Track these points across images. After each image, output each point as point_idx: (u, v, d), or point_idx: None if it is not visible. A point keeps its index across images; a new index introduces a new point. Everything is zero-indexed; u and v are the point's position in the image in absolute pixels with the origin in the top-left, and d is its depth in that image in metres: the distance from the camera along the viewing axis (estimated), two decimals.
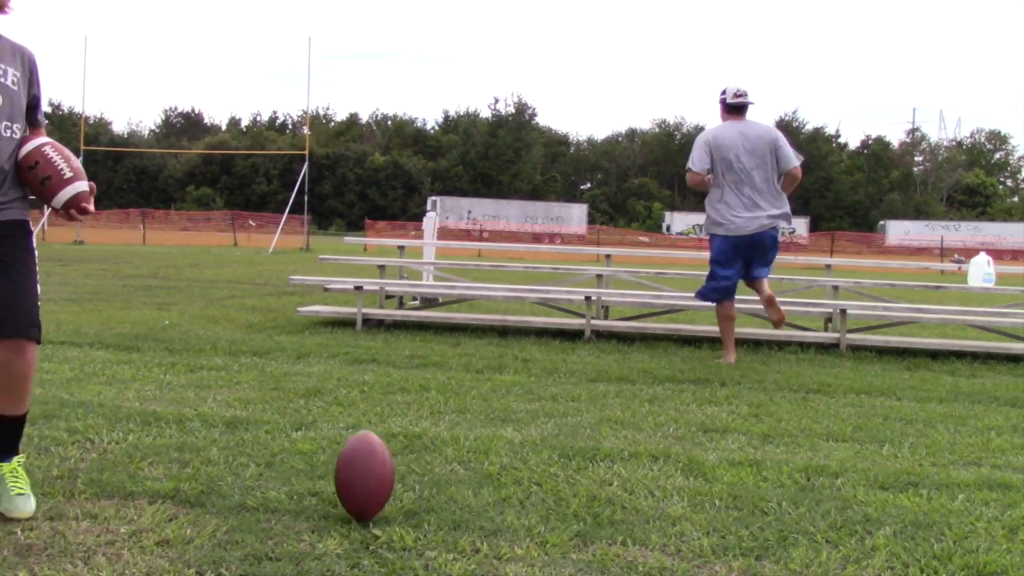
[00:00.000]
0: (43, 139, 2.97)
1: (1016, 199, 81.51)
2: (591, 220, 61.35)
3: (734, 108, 6.66)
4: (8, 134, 2.90)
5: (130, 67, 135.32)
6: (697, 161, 6.62)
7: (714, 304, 6.95)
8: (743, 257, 6.70)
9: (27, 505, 2.91)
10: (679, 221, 59.61)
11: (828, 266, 10.39)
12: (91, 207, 2.99)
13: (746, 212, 6.56)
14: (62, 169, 2.93)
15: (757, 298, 8.33)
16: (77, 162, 3.01)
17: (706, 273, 6.97)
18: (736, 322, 7.10)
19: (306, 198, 31.08)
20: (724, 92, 6.70)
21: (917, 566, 2.74)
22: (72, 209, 2.95)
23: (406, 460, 3.72)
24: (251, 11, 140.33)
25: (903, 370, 6.84)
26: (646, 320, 8.80)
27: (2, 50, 2.93)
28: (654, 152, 78.95)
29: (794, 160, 6.67)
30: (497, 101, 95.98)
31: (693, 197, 75.01)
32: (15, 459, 3.04)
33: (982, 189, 75.24)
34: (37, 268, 3.05)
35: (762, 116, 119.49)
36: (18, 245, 2.99)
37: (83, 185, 2.95)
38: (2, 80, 2.90)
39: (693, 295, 7.07)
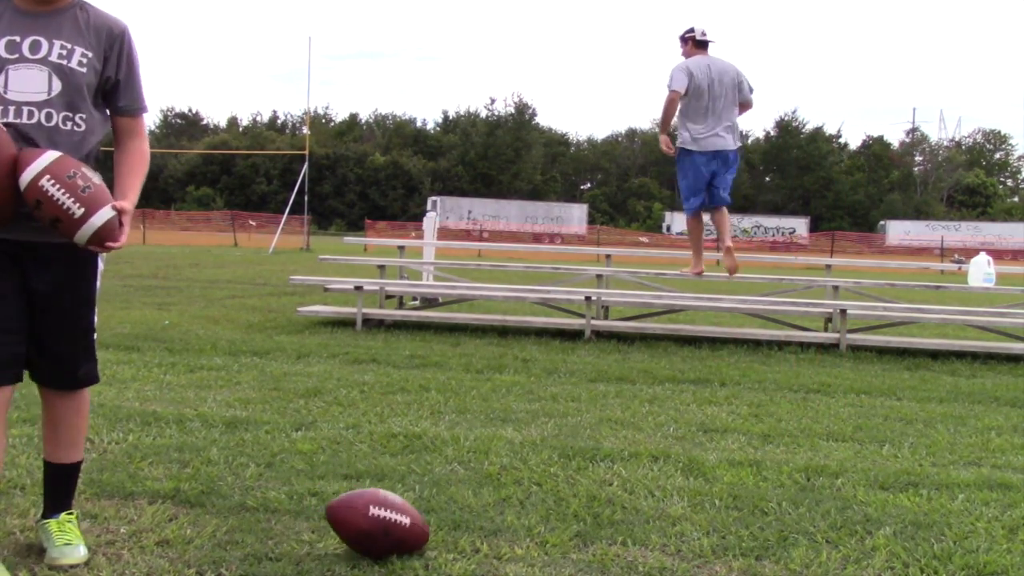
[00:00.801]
0: (43, 162, 2.32)
1: (1016, 199, 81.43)
2: (591, 220, 61.31)
3: (702, 44, 7.75)
4: (68, 126, 2.44)
5: None
6: (677, 82, 7.53)
7: (693, 215, 8.05)
8: (710, 171, 7.74)
9: (74, 552, 2.54)
10: (679, 221, 59.56)
11: (828, 266, 10.39)
12: (121, 236, 2.43)
13: (711, 130, 7.63)
14: (68, 208, 2.32)
15: (756, 298, 8.35)
16: (93, 185, 2.37)
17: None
18: (735, 321, 7.17)
19: (306, 198, 31.06)
20: (692, 30, 7.77)
21: (917, 566, 2.74)
22: (98, 245, 2.41)
23: (406, 460, 3.72)
24: (250, 11, 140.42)
25: (903, 370, 6.84)
26: (646, 320, 8.80)
27: (73, 25, 2.49)
28: (654, 152, 78.60)
29: (750, 94, 7.87)
30: (493, 102, 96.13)
31: None
32: (63, 514, 2.65)
33: (982, 189, 75.20)
34: (98, 291, 2.66)
35: (760, 116, 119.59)
36: (81, 271, 2.55)
37: (102, 217, 2.36)
38: (63, 62, 2.44)
39: (685, 214, 8.11)
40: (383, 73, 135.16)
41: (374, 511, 2.60)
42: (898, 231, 56.70)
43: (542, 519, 3.04)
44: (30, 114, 2.40)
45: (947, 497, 3.45)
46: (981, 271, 13.12)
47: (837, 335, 7.82)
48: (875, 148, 78.26)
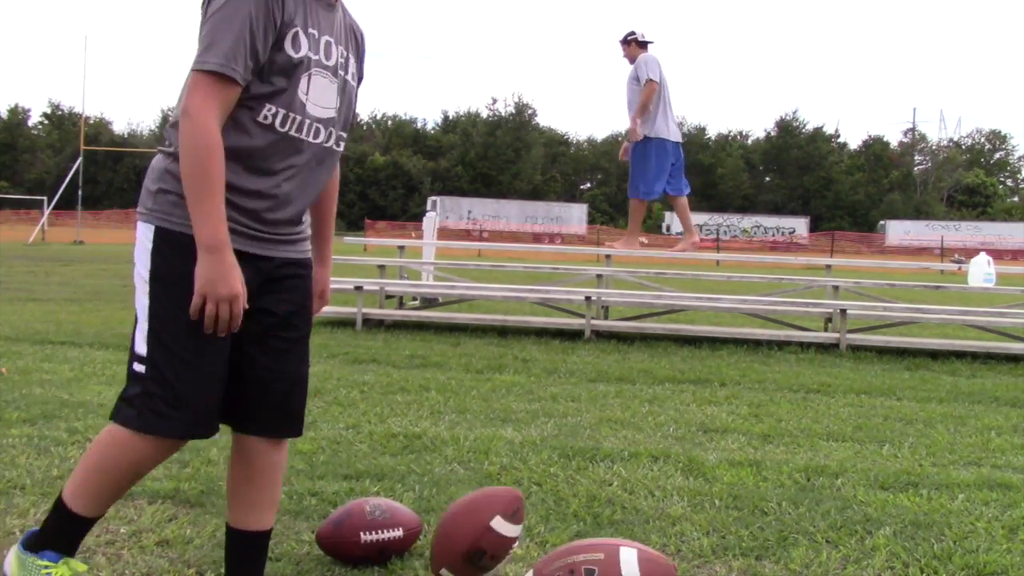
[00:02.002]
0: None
1: (1016, 199, 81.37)
2: (591, 220, 61.27)
3: (645, 44, 8.31)
4: (340, 147, 2.15)
5: (130, 67, 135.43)
6: (654, 72, 8.09)
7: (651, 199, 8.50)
8: (672, 159, 8.34)
9: None
10: (679, 221, 59.60)
11: (828, 266, 10.38)
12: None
13: (672, 123, 8.29)
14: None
15: (756, 298, 8.36)
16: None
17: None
18: (735, 321, 7.19)
19: None
20: (634, 33, 8.32)
21: (917, 566, 2.74)
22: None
23: (406, 460, 3.72)
24: None
25: (903, 370, 6.84)
26: (646, 320, 8.79)
27: (344, 27, 2.11)
28: None
29: None
30: (495, 102, 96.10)
31: (693, 197, 74.86)
32: None
33: (982, 189, 75.12)
34: None
35: (760, 116, 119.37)
36: (309, 292, 2.23)
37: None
38: (343, 73, 2.09)
39: (642, 196, 8.39)
40: (383, 73, 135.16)
41: (366, 537, 2.56)
42: (898, 231, 56.67)
43: (542, 519, 3.03)
44: (316, 132, 2.05)
45: (947, 497, 3.45)
46: (981, 271, 13.12)
47: (837, 335, 7.82)
48: (875, 148, 78.23)
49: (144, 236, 1.99)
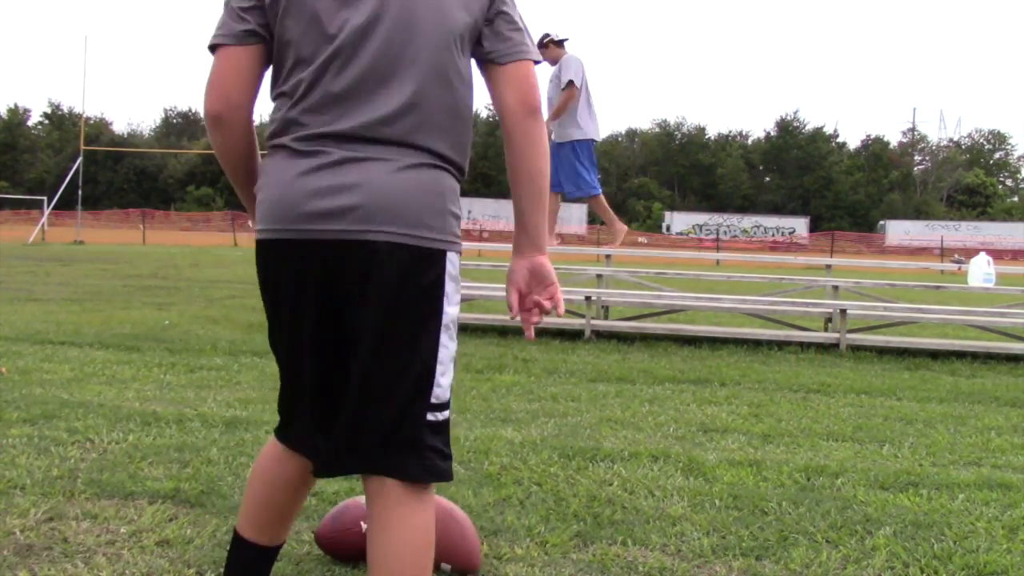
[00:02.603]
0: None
1: (1016, 199, 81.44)
2: (591, 220, 61.27)
3: (562, 43, 8.29)
4: None
5: (130, 67, 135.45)
6: (578, 78, 8.04)
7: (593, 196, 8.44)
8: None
9: None
10: (679, 221, 59.65)
11: (828, 266, 10.38)
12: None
13: (595, 123, 8.29)
14: None
15: (756, 298, 8.37)
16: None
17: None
18: (735, 321, 7.18)
19: None
20: (548, 35, 8.20)
21: (917, 566, 2.74)
22: None
23: None
24: None
25: (903, 370, 6.84)
26: (646, 320, 8.79)
27: None
28: (654, 152, 78.96)
29: None
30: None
31: (693, 197, 75.01)
32: None
33: (982, 189, 75.20)
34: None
35: (760, 116, 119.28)
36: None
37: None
38: None
39: (592, 192, 8.31)
40: None
41: (367, 526, 2.56)
42: (898, 231, 56.71)
43: (542, 519, 3.03)
44: None
45: (947, 497, 3.45)
46: (981, 271, 13.11)
47: (837, 335, 7.82)
48: (875, 148, 78.29)
49: (451, 268, 1.73)
